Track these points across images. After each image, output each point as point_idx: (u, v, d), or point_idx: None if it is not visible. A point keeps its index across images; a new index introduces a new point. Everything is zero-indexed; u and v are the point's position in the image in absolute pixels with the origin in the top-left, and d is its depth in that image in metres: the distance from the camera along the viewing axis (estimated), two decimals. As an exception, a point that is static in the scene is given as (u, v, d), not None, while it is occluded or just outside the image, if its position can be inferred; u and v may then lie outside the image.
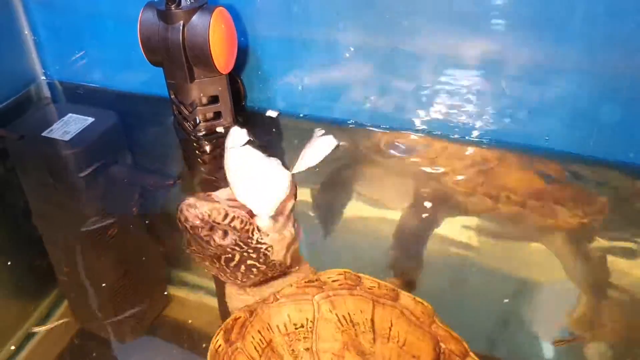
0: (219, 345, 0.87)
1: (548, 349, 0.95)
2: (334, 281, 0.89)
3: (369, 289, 0.88)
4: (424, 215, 1.18)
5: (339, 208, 1.26)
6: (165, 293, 1.06)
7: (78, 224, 1.20)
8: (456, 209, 1.19)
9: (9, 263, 1.12)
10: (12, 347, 0.95)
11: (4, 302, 1.06)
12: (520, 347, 0.95)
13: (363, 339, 0.81)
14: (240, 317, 0.87)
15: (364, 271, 0.90)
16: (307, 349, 0.80)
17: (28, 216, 1.27)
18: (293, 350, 0.80)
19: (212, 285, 1.06)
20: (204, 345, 0.94)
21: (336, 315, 0.83)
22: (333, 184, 1.29)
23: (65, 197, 1.32)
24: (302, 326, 0.82)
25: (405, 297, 0.86)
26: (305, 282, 0.91)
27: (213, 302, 1.04)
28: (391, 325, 0.82)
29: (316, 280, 0.90)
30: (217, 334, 0.89)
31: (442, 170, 1.27)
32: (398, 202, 1.22)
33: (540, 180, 1.24)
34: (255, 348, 0.82)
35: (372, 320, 0.83)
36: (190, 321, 1.01)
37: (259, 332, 0.83)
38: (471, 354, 0.81)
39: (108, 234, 1.17)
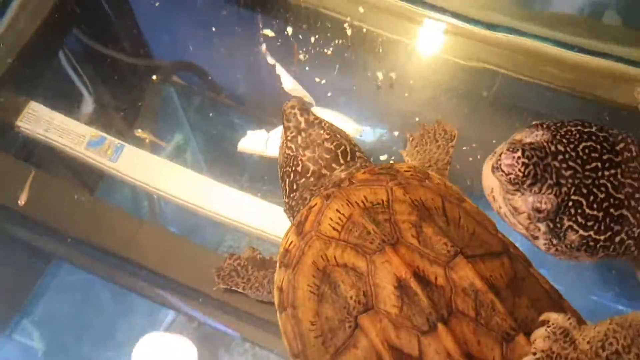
0: (290, 243, 0.88)
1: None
2: (405, 171, 0.91)
3: (436, 184, 0.90)
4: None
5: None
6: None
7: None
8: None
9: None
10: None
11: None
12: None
13: (437, 219, 0.83)
14: (316, 204, 0.89)
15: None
16: (387, 220, 0.83)
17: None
18: (374, 219, 0.82)
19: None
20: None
21: (409, 198, 0.85)
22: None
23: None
24: (379, 204, 0.85)
25: (470, 204, 0.88)
26: (378, 169, 0.93)
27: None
28: (460, 217, 0.82)
29: (389, 167, 0.94)
30: (287, 234, 0.90)
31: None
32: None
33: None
34: (333, 228, 0.84)
35: (443, 209, 0.85)
36: None
37: (338, 210, 0.86)
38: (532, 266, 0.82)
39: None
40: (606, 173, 0.64)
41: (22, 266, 1.42)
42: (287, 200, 1.02)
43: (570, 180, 0.63)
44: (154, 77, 1.49)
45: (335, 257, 0.81)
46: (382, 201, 0.85)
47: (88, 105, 1.50)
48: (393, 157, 1.30)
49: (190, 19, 1.58)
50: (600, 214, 0.63)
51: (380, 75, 1.42)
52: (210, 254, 1.21)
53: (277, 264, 0.90)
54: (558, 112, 1.39)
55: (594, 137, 0.65)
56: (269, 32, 1.49)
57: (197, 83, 1.57)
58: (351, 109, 1.40)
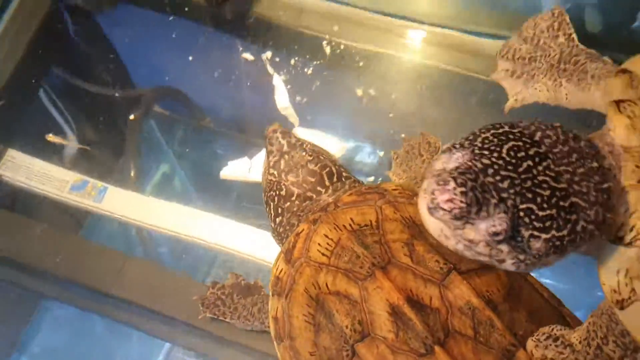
0: (281, 270, 0.85)
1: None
2: (393, 190, 0.87)
3: None
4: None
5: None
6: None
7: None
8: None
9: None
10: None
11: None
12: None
13: (429, 236, 0.75)
14: (303, 230, 0.85)
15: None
16: (376, 242, 0.80)
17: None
18: (363, 242, 0.79)
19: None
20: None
21: (400, 216, 0.82)
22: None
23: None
24: (367, 225, 0.82)
25: None
26: (365, 189, 0.89)
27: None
28: None
29: (376, 187, 0.90)
30: (276, 261, 0.88)
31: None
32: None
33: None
34: (323, 254, 0.81)
35: None
36: None
37: (326, 235, 0.82)
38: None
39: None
40: (540, 168, 0.60)
41: (15, 301, 1.40)
42: (273, 226, 0.99)
43: (511, 191, 0.58)
44: (132, 116, 1.48)
45: (327, 285, 0.79)
46: (371, 222, 0.83)
47: (69, 146, 1.48)
48: (380, 179, 1.28)
49: (169, 48, 1.56)
50: (554, 211, 0.59)
51: (360, 91, 1.40)
52: (197, 285, 1.18)
53: (270, 293, 0.87)
54: (546, 115, 1.35)
55: (511, 136, 0.62)
56: (248, 56, 1.47)
57: (179, 111, 1.55)
58: (334, 128, 1.38)
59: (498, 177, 0.59)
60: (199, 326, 1.14)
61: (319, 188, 0.94)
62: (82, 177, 1.36)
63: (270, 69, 1.45)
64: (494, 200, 0.58)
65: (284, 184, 0.94)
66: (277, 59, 1.46)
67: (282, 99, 1.41)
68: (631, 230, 0.60)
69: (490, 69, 1.37)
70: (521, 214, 0.58)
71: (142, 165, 1.46)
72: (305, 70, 1.43)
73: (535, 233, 0.59)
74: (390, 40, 1.45)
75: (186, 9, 1.54)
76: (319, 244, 0.82)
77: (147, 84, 1.56)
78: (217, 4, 1.50)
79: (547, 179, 0.59)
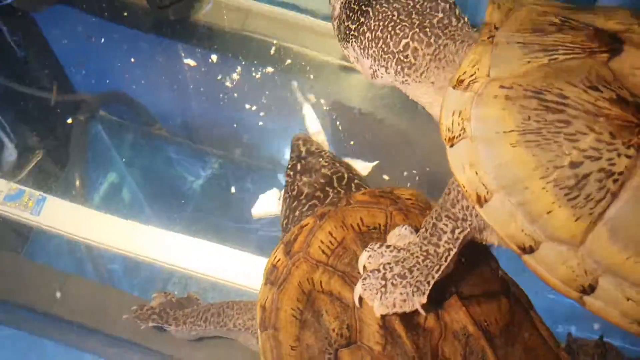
0: (278, 260, 0.82)
1: None
2: (407, 199, 0.80)
3: None
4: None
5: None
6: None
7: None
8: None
9: None
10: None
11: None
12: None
13: None
14: (308, 224, 0.82)
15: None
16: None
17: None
18: (367, 246, 0.75)
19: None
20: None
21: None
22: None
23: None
24: (375, 228, 0.79)
25: None
26: (378, 191, 0.87)
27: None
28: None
29: (390, 192, 0.87)
30: (275, 251, 0.85)
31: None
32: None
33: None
34: (323, 251, 0.78)
35: None
36: None
37: (330, 233, 0.79)
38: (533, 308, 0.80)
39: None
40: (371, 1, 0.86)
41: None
42: (283, 221, 0.98)
43: None
44: (70, 120, 1.37)
45: (321, 283, 0.76)
46: (379, 225, 0.80)
47: (8, 154, 1.36)
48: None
49: (110, 51, 1.46)
50: (354, 10, 0.88)
51: (312, 97, 1.33)
52: (139, 301, 1.12)
53: (263, 281, 0.84)
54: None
55: None
56: (190, 62, 1.39)
57: (127, 117, 1.46)
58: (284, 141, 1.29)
59: None
60: (142, 343, 1.08)
61: (327, 189, 0.92)
62: (18, 186, 1.26)
63: (216, 74, 1.37)
64: None
65: (297, 184, 0.95)
66: (223, 64, 1.39)
67: (313, 125, 1.31)
68: (471, 76, 0.68)
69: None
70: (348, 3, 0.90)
71: (88, 174, 1.36)
72: (255, 74, 1.36)
73: (344, 16, 0.90)
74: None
75: (125, 13, 1.46)
76: (321, 241, 0.79)
77: (88, 88, 1.46)
78: (160, 8, 1.42)
79: (369, 8, 0.86)
